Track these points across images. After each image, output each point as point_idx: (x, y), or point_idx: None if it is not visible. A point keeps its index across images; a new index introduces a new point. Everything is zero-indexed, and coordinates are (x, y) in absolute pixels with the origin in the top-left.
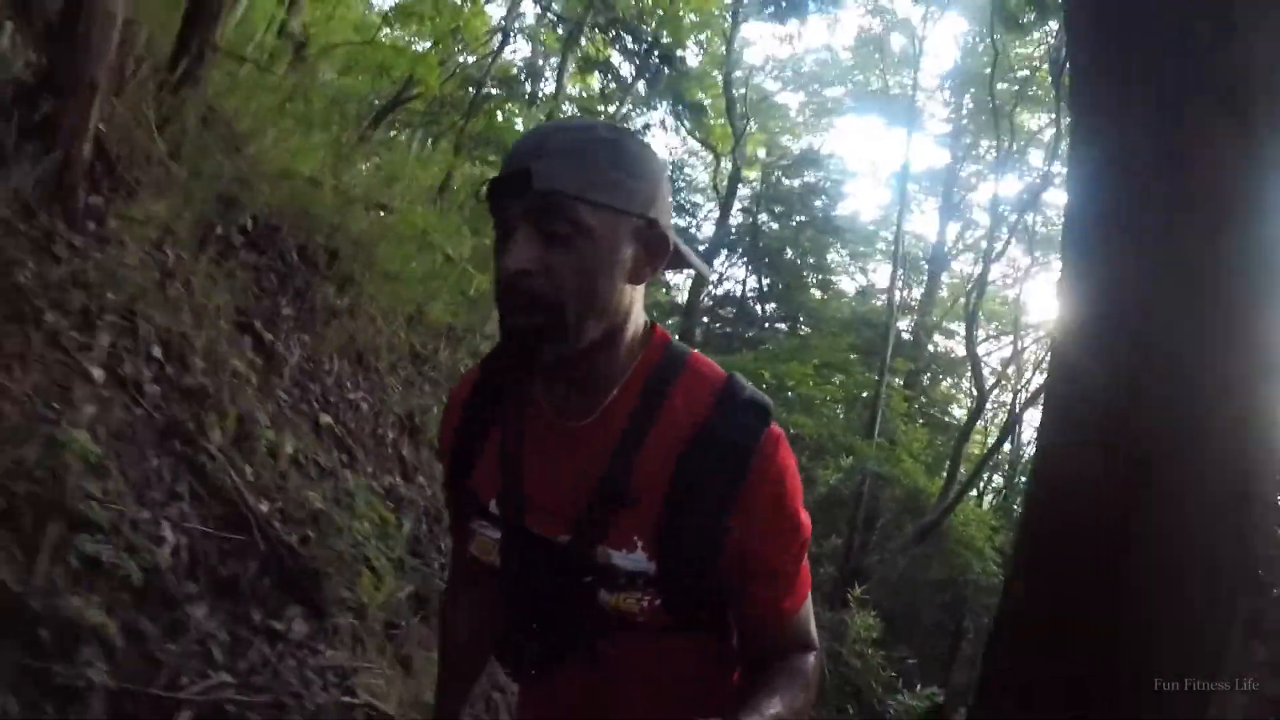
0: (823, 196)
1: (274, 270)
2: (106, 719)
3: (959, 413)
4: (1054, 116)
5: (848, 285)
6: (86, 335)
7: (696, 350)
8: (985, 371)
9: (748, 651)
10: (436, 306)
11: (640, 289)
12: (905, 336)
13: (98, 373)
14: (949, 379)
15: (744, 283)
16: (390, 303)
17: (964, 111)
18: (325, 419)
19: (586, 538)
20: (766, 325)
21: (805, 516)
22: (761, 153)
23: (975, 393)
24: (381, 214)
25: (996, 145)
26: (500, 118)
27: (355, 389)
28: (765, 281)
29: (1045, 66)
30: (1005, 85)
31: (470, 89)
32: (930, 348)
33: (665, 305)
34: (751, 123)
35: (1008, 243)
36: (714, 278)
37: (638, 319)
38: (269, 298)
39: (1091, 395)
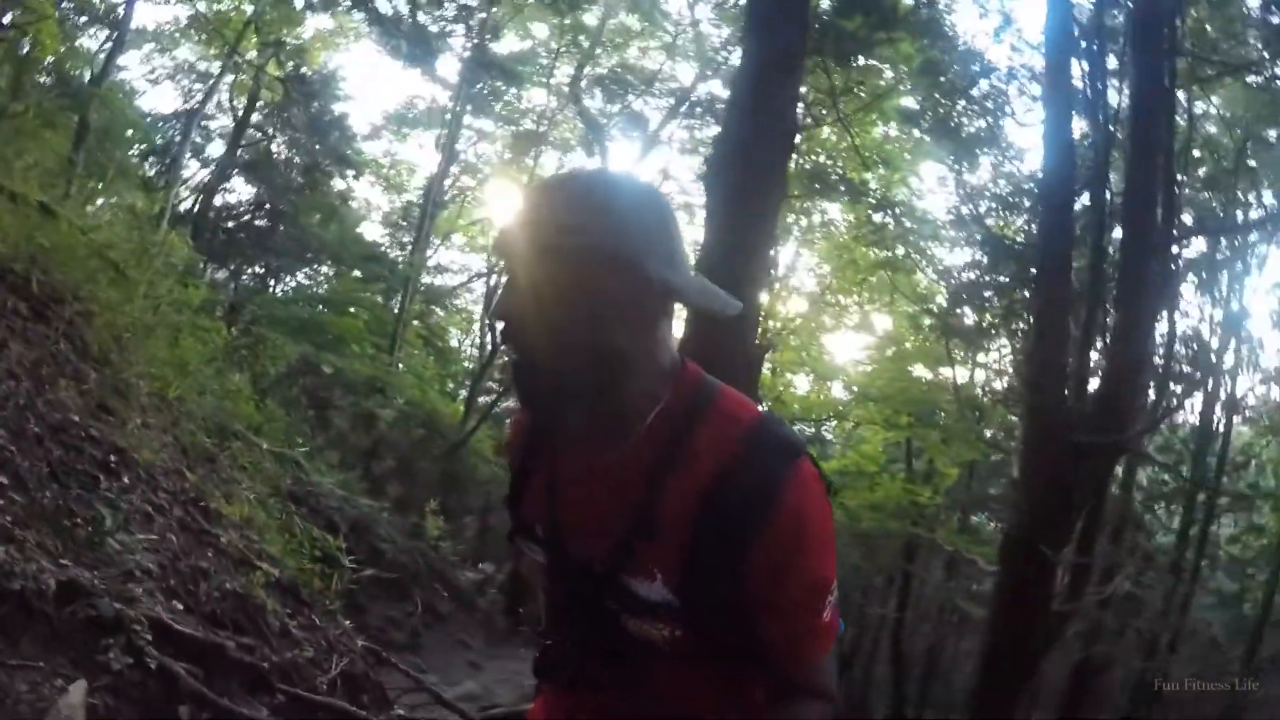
0: (334, 120)
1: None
2: None
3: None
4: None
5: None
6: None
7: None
8: None
9: (760, 689)
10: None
11: (658, 330)
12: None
13: None
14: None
15: (253, 208)
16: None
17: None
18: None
19: (613, 567)
20: (281, 255)
21: (829, 564)
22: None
23: (490, 345)
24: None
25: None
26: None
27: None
28: (280, 207)
29: None
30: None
31: None
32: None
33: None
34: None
35: None
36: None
37: (655, 358)
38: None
39: None
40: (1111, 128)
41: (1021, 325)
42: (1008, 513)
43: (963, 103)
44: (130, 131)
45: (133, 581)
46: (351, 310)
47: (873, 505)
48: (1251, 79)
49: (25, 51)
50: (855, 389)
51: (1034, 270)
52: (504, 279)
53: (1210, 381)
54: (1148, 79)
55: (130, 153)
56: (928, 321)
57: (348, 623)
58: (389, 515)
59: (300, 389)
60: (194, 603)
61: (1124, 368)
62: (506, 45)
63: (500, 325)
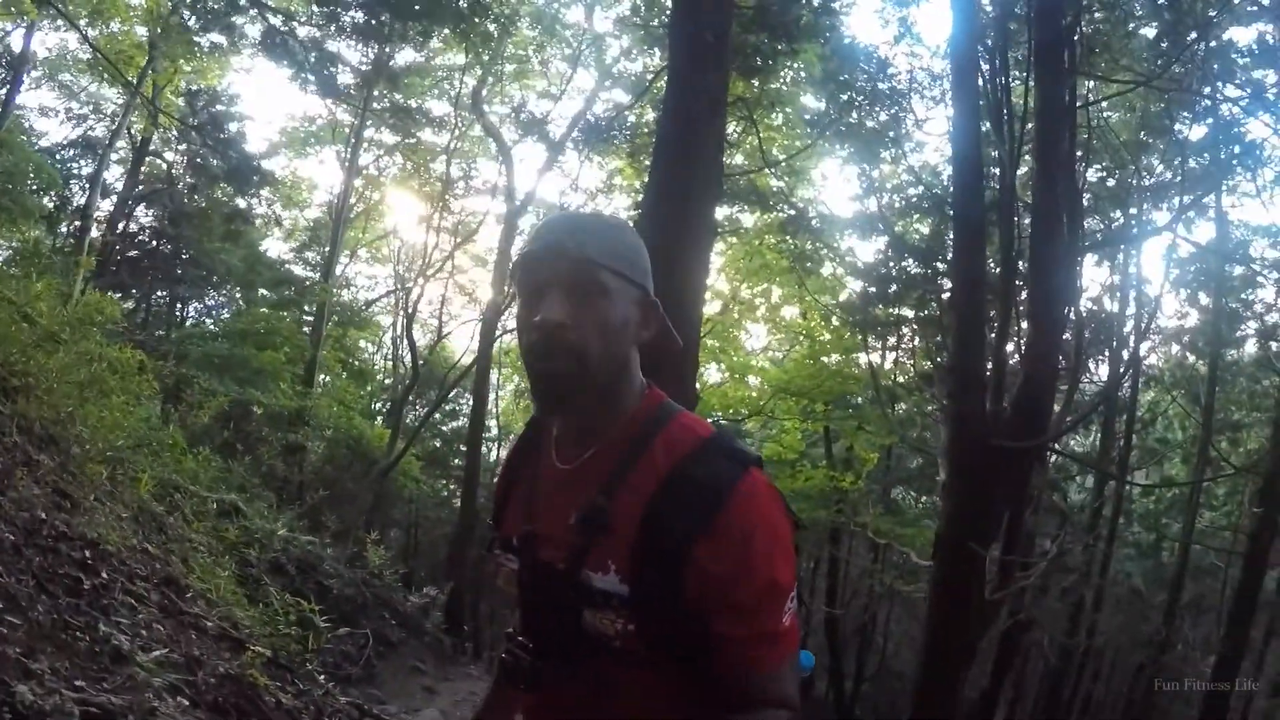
0: (234, 144)
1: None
2: None
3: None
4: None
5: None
6: None
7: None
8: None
9: (718, 696)
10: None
11: (637, 349)
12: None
13: None
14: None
15: (156, 235)
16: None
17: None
18: None
19: (574, 562)
20: (186, 281)
21: (783, 569)
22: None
23: (411, 368)
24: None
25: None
26: None
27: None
28: (182, 232)
29: None
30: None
31: None
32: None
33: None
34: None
35: None
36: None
37: (634, 377)
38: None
39: None
40: (1017, 130)
41: (926, 313)
42: (938, 513)
43: (861, 100)
44: (33, 172)
45: (148, 691)
46: (265, 332)
47: (796, 493)
48: (1143, 88)
49: None
50: (771, 386)
51: (950, 285)
52: (527, 299)
53: (1114, 347)
54: (1050, 100)
55: (32, 189)
56: (836, 316)
57: (322, 677)
58: (330, 549)
59: (232, 432)
60: (196, 694)
61: (1038, 374)
62: (405, 57)
63: (531, 335)
